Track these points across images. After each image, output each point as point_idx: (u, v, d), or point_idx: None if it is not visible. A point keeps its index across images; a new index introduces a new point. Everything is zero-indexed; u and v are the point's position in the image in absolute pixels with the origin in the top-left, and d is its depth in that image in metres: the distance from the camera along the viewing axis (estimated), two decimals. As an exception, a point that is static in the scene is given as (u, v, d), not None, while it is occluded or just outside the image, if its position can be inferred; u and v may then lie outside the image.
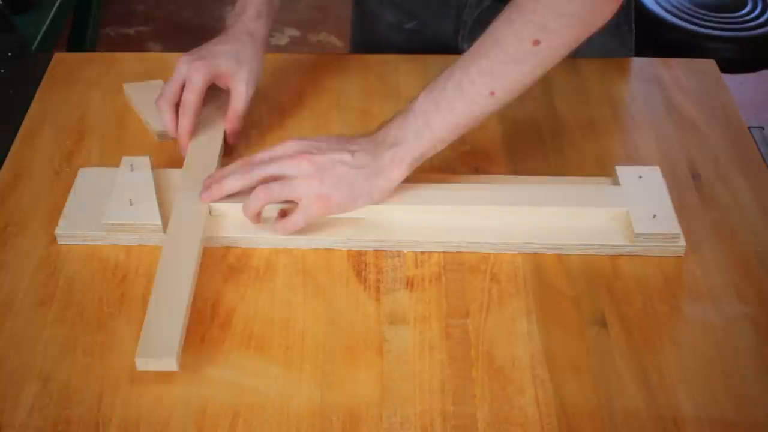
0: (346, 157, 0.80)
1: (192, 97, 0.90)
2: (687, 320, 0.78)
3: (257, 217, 0.82)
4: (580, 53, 0.81)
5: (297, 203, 0.81)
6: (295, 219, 0.81)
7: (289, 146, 0.82)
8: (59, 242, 0.83)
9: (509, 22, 0.77)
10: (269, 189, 0.80)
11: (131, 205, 0.83)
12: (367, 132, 0.83)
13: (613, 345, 0.75)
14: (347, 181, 0.80)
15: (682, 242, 0.83)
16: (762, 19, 1.64)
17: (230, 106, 0.93)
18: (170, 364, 0.71)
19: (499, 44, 0.77)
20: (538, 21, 0.75)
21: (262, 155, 0.83)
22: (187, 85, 0.91)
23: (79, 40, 1.96)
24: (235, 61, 0.92)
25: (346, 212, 0.82)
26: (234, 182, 0.82)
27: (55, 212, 0.85)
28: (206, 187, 0.83)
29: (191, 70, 0.91)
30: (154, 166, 0.88)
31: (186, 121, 0.91)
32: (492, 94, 0.78)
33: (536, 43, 0.76)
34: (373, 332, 0.76)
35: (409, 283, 0.80)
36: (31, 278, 0.80)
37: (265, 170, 0.81)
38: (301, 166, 0.80)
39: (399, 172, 0.81)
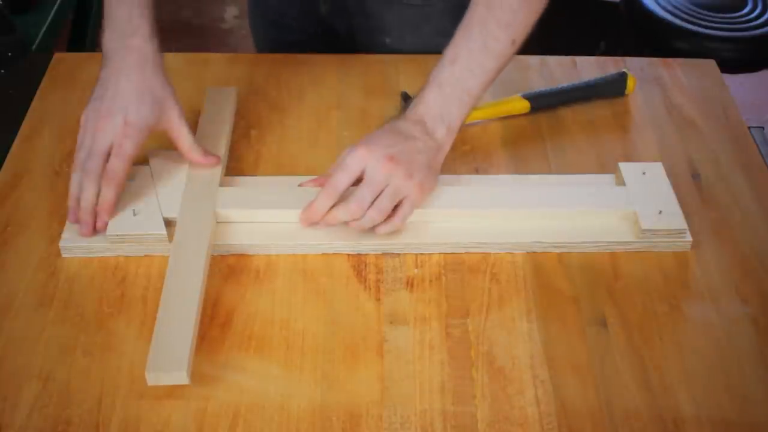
0: (418, 144, 0.82)
1: (122, 166, 0.80)
2: (687, 320, 0.78)
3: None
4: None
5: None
6: (405, 212, 0.81)
7: (360, 157, 0.79)
8: (63, 255, 0.82)
9: None
10: (381, 207, 0.79)
11: (135, 215, 0.82)
12: (385, 123, 0.84)
13: (613, 345, 0.75)
14: (426, 165, 0.82)
15: (688, 237, 0.83)
16: (762, 19, 1.64)
17: (180, 149, 0.86)
18: (181, 378, 0.70)
19: None
20: None
21: (341, 177, 0.80)
22: (116, 151, 0.80)
23: (79, 40, 1.96)
24: (155, 105, 0.83)
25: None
26: (342, 215, 0.80)
27: (55, 212, 0.85)
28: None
29: (119, 136, 0.81)
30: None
31: (111, 192, 0.80)
32: (513, 42, 0.82)
33: None
34: (373, 332, 0.76)
35: (409, 283, 0.80)
36: (31, 278, 0.80)
37: (367, 195, 0.79)
38: (392, 173, 0.79)
39: (450, 144, 0.84)
